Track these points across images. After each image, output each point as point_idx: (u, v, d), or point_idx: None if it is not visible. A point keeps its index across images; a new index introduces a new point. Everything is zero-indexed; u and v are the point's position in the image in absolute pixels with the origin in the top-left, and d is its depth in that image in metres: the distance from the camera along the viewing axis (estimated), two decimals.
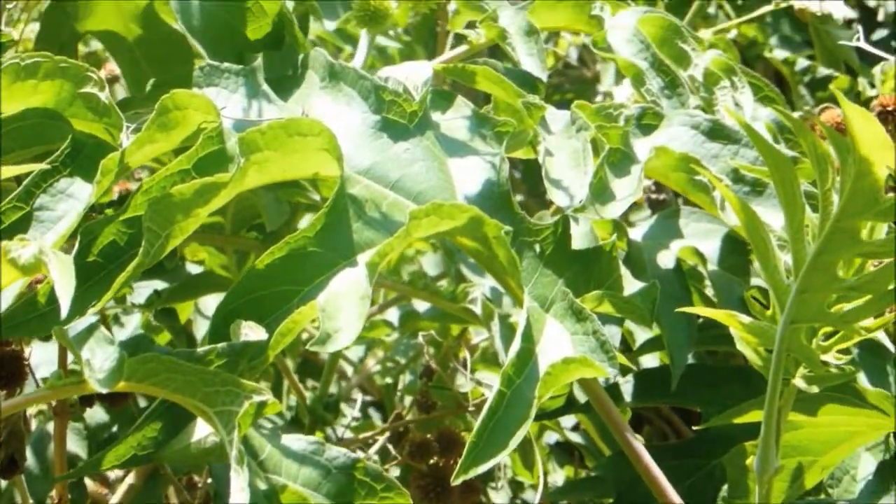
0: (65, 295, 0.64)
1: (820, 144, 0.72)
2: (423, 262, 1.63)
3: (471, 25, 1.05)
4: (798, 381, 0.77)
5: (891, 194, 0.73)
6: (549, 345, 0.74)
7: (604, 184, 0.84)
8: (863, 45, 1.08)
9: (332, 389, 1.39)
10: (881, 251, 0.72)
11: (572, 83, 2.51)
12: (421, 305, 1.35)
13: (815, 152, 0.72)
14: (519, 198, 1.70)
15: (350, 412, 1.42)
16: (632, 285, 0.84)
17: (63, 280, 0.65)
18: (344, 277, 0.73)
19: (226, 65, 0.82)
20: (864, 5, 2.81)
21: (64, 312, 0.64)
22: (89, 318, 0.72)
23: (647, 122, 0.92)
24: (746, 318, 0.76)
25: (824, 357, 0.76)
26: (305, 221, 1.13)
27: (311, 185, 0.97)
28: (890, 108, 1.08)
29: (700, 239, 1.04)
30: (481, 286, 0.99)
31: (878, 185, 0.70)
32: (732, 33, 1.56)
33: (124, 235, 0.74)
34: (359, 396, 1.47)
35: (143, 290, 1.19)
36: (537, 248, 0.80)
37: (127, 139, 0.75)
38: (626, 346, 1.14)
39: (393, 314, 1.46)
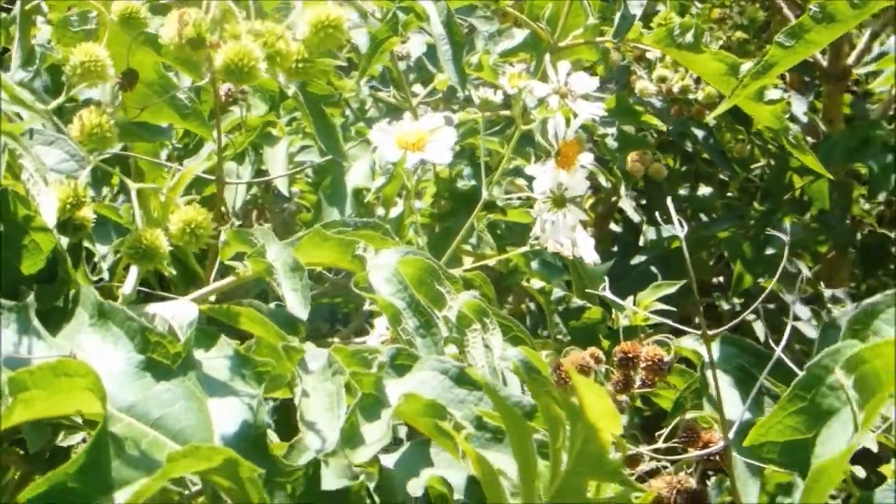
0: None
1: (553, 408, 0.78)
2: None
3: (239, 257, 1.10)
4: None
5: (617, 455, 0.80)
6: None
7: (354, 429, 0.89)
8: (607, 294, 1.16)
9: None
10: None
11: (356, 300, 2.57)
12: None
13: (547, 414, 0.78)
14: None
15: None
16: None
17: None
18: None
19: None
20: (630, 226, 2.95)
21: None
22: None
23: (401, 362, 0.98)
24: None
25: None
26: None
27: None
28: (631, 355, 1.15)
29: (449, 468, 1.09)
30: None
31: (604, 450, 0.76)
32: (493, 261, 1.64)
33: None
34: None
35: None
36: (289, 488, 0.84)
37: None
38: None
39: None
